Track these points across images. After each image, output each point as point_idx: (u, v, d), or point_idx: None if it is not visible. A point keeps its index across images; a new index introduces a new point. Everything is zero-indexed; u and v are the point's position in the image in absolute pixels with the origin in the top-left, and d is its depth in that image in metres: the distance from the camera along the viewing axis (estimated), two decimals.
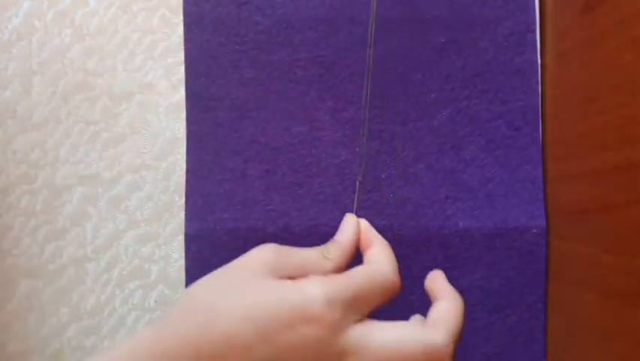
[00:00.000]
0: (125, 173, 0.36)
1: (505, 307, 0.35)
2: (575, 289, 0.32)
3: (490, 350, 0.35)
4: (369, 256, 0.28)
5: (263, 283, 0.23)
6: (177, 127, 0.36)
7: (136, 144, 0.36)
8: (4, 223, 0.35)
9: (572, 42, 0.32)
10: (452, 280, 0.35)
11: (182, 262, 0.35)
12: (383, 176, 0.35)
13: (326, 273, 0.25)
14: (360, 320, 0.24)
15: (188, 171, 0.35)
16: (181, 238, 0.35)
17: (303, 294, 0.23)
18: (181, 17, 0.35)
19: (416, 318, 0.27)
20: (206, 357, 0.22)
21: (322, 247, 0.27)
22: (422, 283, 0.35)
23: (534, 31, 0.35)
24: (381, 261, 0.27)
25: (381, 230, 0.35)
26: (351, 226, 0.28)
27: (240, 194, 0.35)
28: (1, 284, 0.35)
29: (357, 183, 0.34)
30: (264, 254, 0.25)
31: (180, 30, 0.35)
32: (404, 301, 0.35)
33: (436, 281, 0.28)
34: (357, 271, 0.25)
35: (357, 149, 0.35)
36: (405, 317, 0.35)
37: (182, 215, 0.35)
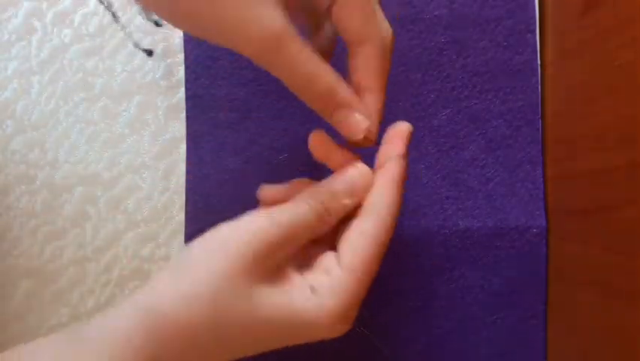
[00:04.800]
0: (124, 173, 0.36)
1: (505, 307, 0.35)
2: (575, 289, 0.32)
3: (490, 350, 0.35)
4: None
5: (262, 297, 0.22)
6: (177, 127, 0.36)
7: (135, 144, 0.36)
8: (4, 223, 0.35)
9: (572, 42, 0.32)
10: (452, 280, 0.35)
11: None
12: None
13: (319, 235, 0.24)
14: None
15: (188, 172, 0.35)
16: (181, 238, 0.35)
17: (316, 317, 0.22)
18: None
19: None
20: None
21: (320, 203, 0.24)
22: (422, 284, 0.35)
23: (534, 31, 0.35)
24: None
25: None
26: (363, 184, 0.25)
27: (240, 194, 0.35)
28: (0, 284, 0.35)
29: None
30: (255, 246, 0.22)
31: (180, 30, 0.35)
32: (404, 301, 0.35)
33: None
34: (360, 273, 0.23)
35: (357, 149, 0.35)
36: (405, 317, 0.35)
37: (182, 215, 0.35)
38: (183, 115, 0.35)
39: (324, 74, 0.24)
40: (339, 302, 0.22)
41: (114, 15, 0.30)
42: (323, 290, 0.23)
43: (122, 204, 0.35)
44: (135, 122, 0.36)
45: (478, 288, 0.35)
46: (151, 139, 0.36)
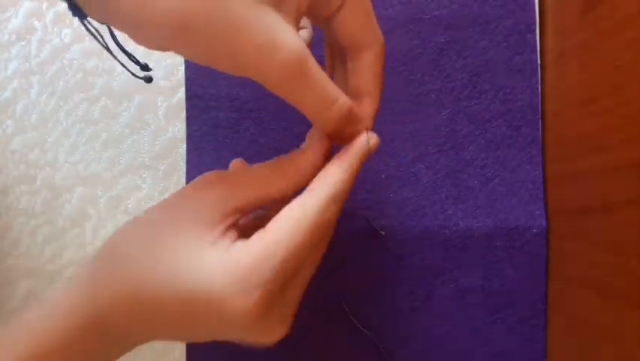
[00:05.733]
0: (124, 173, 0.36)
1: (505, 307, 0.35)
2: (575, 289, 0.32)
3: (490, 350, 0.35)
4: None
5: (199, 251, 0.21)
6: (177, 127, 0.36)
7: (135, 144, 0.36)
8: (4, 224, 0.35)
9: (572, 42, 0.32)
10: (452, 280, 0.35)
11: None
12: (383, 176, 0.35)
13: (278, 198, 0.24)
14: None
15: (188, 171, 0.35)
16: None
17: (230, 285, 0.20)
18: None
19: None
20: (135, 322, 0.22)
21: (279, 164, 0.24)
22: (422, 284, 0.35)
23: (534, 31, 0.35)
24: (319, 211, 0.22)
25: (381, 230, 0.35)
26: (318, 149, 0.25)
27: None
28: (0, 284, 0.35)
29: None
30: (206, 199, 0.22)
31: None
32: (404, 301, 0.35)
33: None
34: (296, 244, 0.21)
35: None
36: (405, 317, 0.35)
37: None
38: (183, 115, 0.35)
39: (341, 94, 0.23)
40: (237, 255, 0.21)
41: (107, 47, 0.28)
42: (230, 248, 0.22)
43: (122, 204, 0.35)
44: (135, 122, 0.36)
45: (478, 288, 0.35)
46: (151, 139, 0.36)
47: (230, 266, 0.21)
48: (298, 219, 0.22)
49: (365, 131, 0.25)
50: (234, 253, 0.21)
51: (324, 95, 0.22)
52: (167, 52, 0.23)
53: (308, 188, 0.23)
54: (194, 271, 0.21)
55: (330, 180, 0.23)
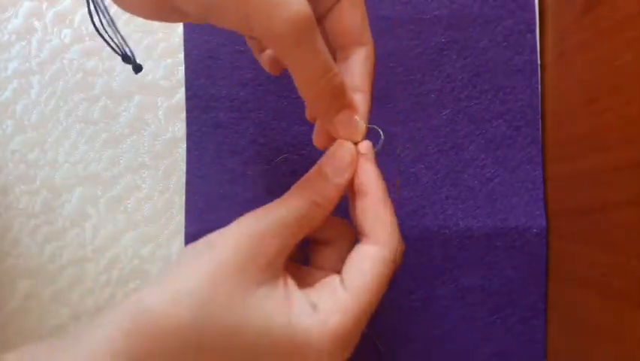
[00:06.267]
0: (124, 173, 0.36)
1: (505, 307, 0.35)
2: (575, 289, 0.32)
3: (490, 350, 0.35)
4: (368, 235, 0.24)
5: (247, 307, 0.20)
6: (177, 127, 0.36)
7: (135, 144, 0.36)
8: (4, 224, 0.35)
9: (572, 42, 0.32)
10: (452, 280, 0.35)
11: None
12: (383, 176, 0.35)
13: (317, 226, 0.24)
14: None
15: (188, 171, 0.35)
16: (181, 238, 0.35)
17: (298, 338, 0.20)
18: None
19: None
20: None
21: (310, 188, 0.23)
22: (422, 284, 0.35)
23: (534, 31, 0.35)
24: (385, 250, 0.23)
25: None
26: (350, 160, 0.24)
27: (240, 194, 0.35)
28: (0, 284, 0.35)
29: None
30: (238, 254, 0.21)
31: (180, 30, 0.35)
32: (404, 301, 0.35)
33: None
34: (364, 291, 0.22)
35: None
36: (405, 318, 0.35)
37: (182, 215, 0.35)
38: (183, 115, 0.35)
39: (336, 67, 0.22)
40: (343, 323, 0.21)
41: (107, 25, 0.27)
42: (326, 308, 0.21)
43: (122, 204, 0.35)
44: (135, 122, 0.36)
45: (478, 288, 0.35)
46: (151, 139, 0.36)
47: (325, 329, 0.21)
48: (381, 275, 0.22)
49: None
50: (323, 313, 0.21)
51: (323, 61, 0.21)
52: (166, 23, 0.22)
53: (378, 240, 0.23)
54: (289, 325, 0.21)
55: (393, 226, 0.24)
